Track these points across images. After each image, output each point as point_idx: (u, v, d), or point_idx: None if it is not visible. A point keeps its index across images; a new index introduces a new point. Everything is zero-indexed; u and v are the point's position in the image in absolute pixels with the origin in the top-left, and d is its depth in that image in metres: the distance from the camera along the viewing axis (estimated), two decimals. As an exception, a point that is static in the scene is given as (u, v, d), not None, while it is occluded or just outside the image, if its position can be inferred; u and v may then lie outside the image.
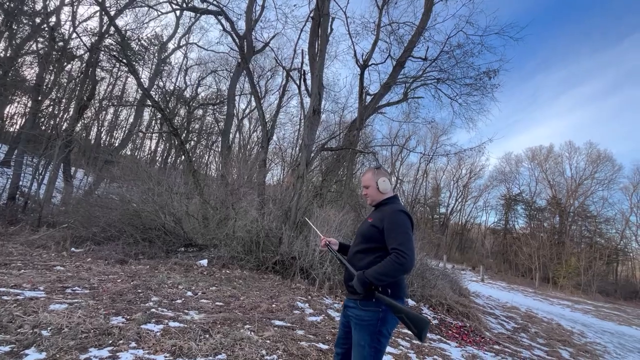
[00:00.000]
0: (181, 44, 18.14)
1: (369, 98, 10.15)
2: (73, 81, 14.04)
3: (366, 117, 10.42)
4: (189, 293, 3.95)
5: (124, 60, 9.85)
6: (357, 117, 9.89)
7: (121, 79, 21.29)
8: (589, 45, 51.31)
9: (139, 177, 7.59)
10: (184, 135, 17.52)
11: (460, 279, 9.43)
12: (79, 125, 13.63)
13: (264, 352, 2.60)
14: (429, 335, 4.45)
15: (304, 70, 9.42)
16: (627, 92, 50.94)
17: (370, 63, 9.82)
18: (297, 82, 9.74)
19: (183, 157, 12.24)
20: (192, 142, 20.89)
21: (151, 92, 14.32)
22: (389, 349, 3.42)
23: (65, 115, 13.50)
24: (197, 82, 20.22)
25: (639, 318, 13.39)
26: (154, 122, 20.94)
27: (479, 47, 9.70)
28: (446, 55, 9.83)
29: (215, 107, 19.69)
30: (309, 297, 4.92)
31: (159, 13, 13.37)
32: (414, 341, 3.91)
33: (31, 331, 2.21)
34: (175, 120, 18.05)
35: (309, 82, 8.86)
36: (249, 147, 22.54)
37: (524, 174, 34.99)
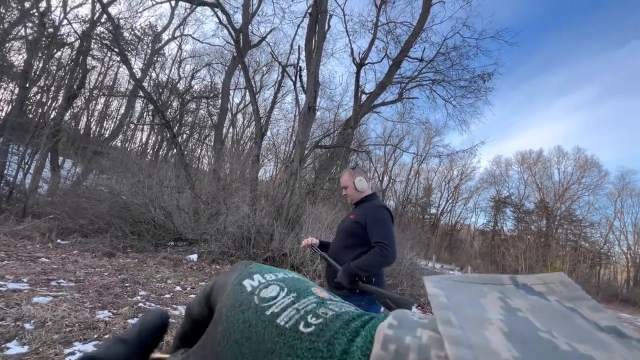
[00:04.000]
0: (176, 35, 17.84)
1: (364, 97, 10.16)
2: (63, 69, 13.71)
3: (361, 116, 10.42)
4: (178, 288, 3.91)
5: (116, 50, 9.63)
6: (352, 115, 9.89)
7: (113, 68, 20.92)
8: (586, 51, 52.12)
9: (129, 169, 7.46)
10: (176, 128, 17.29)
11: (449, 279, 9.55)
12: (67, 114, 13.31)
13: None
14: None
15: (300, 67, 9.37)
16: (618, 100, 52.19)
17: (366, 62, 9.83)
18: (293, 78, 9.68)
19: (175, 150, 12.09)
20: (185, 135, 20.64)
21: (143, 83, 14.07)
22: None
23: (53, 104, 13.19)
24: (191, 74, 19.98)
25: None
26: (145, 113, 20.61)
27: (475, 49, 9.81)
28: (442, 57, 9.91)
29: (209, 100, 19.46)
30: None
31: (154, 2, 13.09)
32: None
33: (13, 324, 2.15)
34: (168, 113, 17.78)
35: (304, 78, 8.81)
36: (242, 142, 22.38)
37: (513, 177, 35.61)
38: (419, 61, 9.92)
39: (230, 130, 21.94)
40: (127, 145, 22.01)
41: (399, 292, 6.16)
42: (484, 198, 37.39)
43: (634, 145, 51.84)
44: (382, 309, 1.53)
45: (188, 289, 3.96)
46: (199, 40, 17.60)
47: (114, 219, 6.14)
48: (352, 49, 9.72)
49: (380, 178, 31.27)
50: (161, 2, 13.00)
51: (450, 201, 37.76)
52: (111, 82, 21.68)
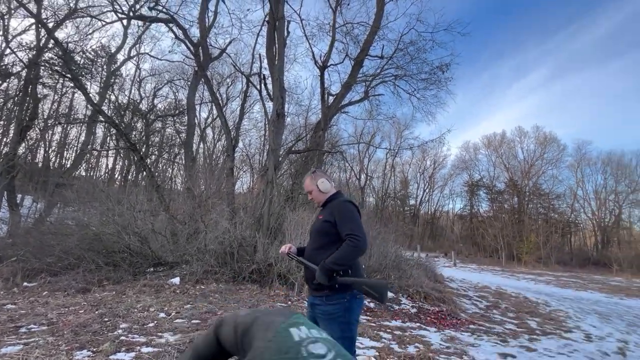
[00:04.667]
0: (132, 55, 17.21)
1: (331, 98, 10.27)
2: (11, 101, 12.89)
3: (330, 118, 10.52)
4: (162, 314, 3.75)
5: (68, 75, 9.17)
6: (321, 118, 9.97)
7: (67, 95, 19.88)
8: (532, 36, 55.18)
9: (96, 198, 7.10)
10: (143, 149, 16.66)
11: (435, 266, 9.79)
12: (21, 147, 12.48)
13: (246, 364, 2.52)
14: (409, 324, 4.58)
15: (264, 75, 9.34)
16: (565, 79, 55.87)
17: (329, 64, 9.97)
18: (258, 87, 9.63)
19: (144, 172, 11.63)
20: (153, 156, 19.94)
21: (102, 107, 13.46)
22: (371, 342, 3.47)
23: (4, 139, 12.36)
24: (152, 93, 19.36)
25: (593, 282, 14.69)
26: (108, 138, 19.70)
27: (431, 43, 10.19)
28: (401, 53, 10.22)
29: (175, 118, 18.92)
30: (289, 302, 4.87)
31: (104, 23, 12.58)
32: (395, 332, 4.00)
33: (-21, 381, 1.98)
34: (133, 135, 17.13)
35: (270, 86, 8.79)
36: (214, 156, 21.90)
37: (482, 160, 37.10)
38: (380, 58, 10.18)
39: (201, 145, 21.42)
40: (92, 173, 20.95)
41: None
42: (458, 184, 38.76)
43: (583, 118, 55.81)
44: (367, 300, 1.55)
45: (173, 314, 3.81)
46: (157, 58, 17.12)
47: (85, 252, 5.80)
48: (313, 53, 9.84)
49: (358, 176, 31.67)
50: (111, 22, 12.53)
51: (427, 191, 38.88)
52: (67, 109, 20.58)
